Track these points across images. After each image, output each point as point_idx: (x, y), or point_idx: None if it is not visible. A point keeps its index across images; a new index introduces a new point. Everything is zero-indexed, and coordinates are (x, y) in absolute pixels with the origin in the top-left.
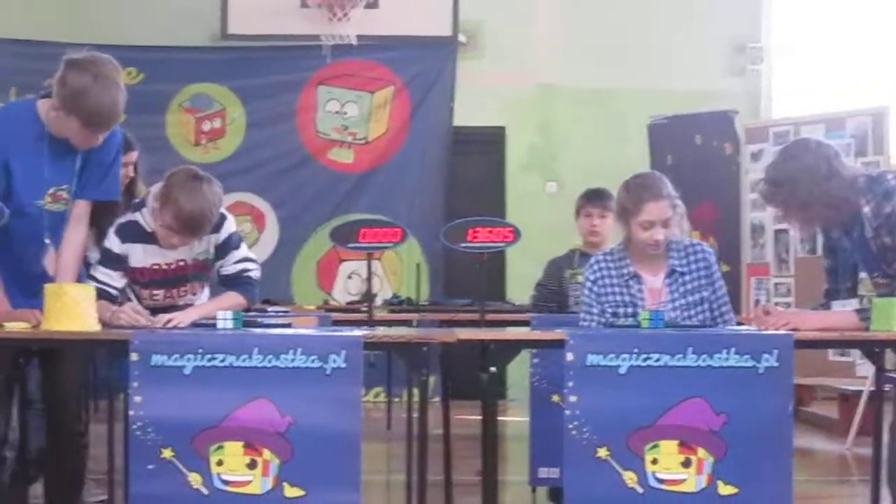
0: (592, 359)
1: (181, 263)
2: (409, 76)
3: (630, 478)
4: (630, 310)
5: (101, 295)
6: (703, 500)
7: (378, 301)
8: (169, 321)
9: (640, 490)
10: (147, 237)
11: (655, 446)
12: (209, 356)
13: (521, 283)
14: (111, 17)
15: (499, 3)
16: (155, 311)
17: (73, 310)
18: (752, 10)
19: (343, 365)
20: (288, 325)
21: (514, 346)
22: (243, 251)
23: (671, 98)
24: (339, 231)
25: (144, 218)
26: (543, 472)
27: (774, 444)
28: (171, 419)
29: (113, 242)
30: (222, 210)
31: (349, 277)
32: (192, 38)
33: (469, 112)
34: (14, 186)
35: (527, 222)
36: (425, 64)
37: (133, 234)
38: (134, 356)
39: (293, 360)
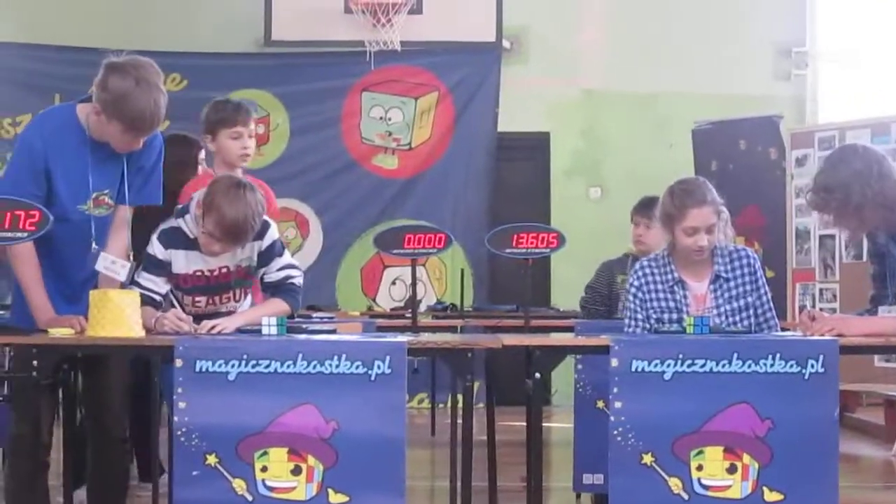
0: (637, 365)
1: (224, 270)
2: (454, 82)
3: (675, 484)
4: (675, 316)
5: (145, 301)
6: None
7: (422, 307)
8: (213, 327)
9: (685, 497)
10: (190, 243)
11: (701, 452)
12: (254, 362)
13: (565, 289)
14: (155, 23)
15: (543, 9)
16: (197, 318)
17: (117, 316)
18: (797, 14)
19: (387, 371)
20: (333, 331)
21: (559, 352)
22: (286, 258)
23: (716, 102)
24: (384, 237)
25: (187, 224)
26: (588, 479)
27: (820, 451)
28: (216, 425)
29: (156, 248)
30: (265, 217)
31: (393, 283)
32: (235, 44)
33: (513, 117)
34: (57, 192)
35: (571, 228)
36: (469, 69)
37: (176, 240)
38: (178, 362)
39: (338, 366)
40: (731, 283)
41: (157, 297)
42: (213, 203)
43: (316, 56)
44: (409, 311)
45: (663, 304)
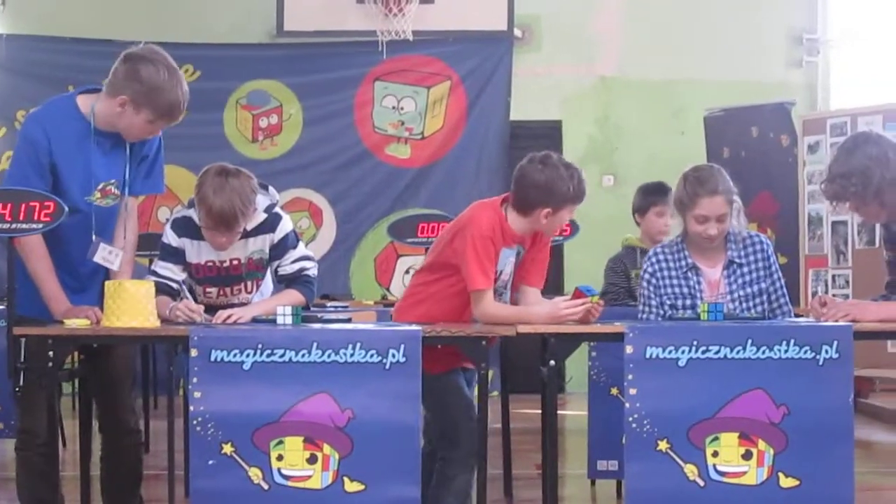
0: (652, 352)
1: (235, 262)
2: (466, 71)
3: (691, 470)
4: (689, 302)
5: (163, 289)
6: (765, 493)
7: None
8: (229, 316)
9: (701, 483)
10: (200, 234)
11: (716, 439)
12: (268, 351)
13: (579, 277)
14: (168, 15)
15: None
16: (210, 309)
17: (133, 306)
18: (809, 1)
19: (402, 359)
20: (347, 321)
21: (574, 340)
22: (301, 250)
23: (728, 89)
24: (397, 226)
25: (197, 215)
26: (602, 466)
27: (835, 436)
28: (232, 414)
29: (170, 237)
30: (277, 210)
31: (407, 272)
32: (248, 35)
33: (525, 106)
34: (63, 185)
35: (584, 215)
36: (481, 58)
37: (187, 229)
38: (194, 352)
39: (353, 354)
40: (745, 269)
41: (174, 285)
42: (201, 194)
43: (328, 46)
44: None
45: (677, 290)
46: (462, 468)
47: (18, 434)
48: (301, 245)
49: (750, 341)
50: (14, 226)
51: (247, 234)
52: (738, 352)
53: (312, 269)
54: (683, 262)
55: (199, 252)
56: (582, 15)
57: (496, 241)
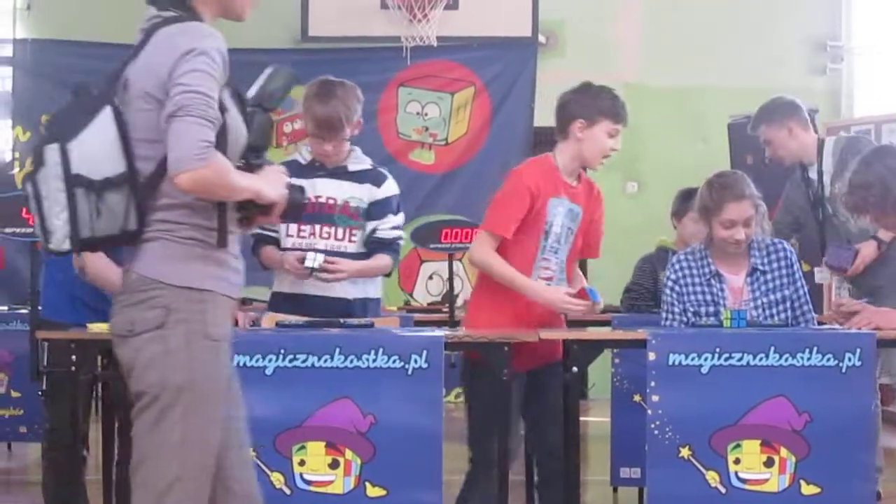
0: (674, 358)
1: (330, 201)
2: (490, 77)
3: (713, 477)
4: (712, 309)
5: (265, 240)
6: (786, 500)
7: (459, 301)
8: (333, 265)
9: (722, 490)
10: (302, 171)
11: (738, 446)
12: (291, 357)
13: (601, 283)
14: None
15: (578, 3)
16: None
17: None
18: (832, 8)
19: (425, 365)
20: (370, 326)
21: (597, 346)
22: (400, 219)
23: (752, 96)
24: (421, 232)
25: (301, 153)
26: (625, 472)
27: (858, 444)
28: (254, 419)
29: None
30: (383, 170)
31: (430, 278)
32: (272, 40)
33: (549, 112)
34: None
35: (607, 222)
36: (505, 64)
37: (290, 170)
38: None
39: (375, 360)
40: (768, 276)
41: (274, 234)
42: (306, 103)
43: (352, 51)
44: (447, 305)
45: (700, 297)
46: (484, 473)
47: (47, 434)
48: (402, 215)
49: (773, 348)
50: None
51: (349, 176)
52: (760, 359)
53: (402, 241)
54: (707, 269)
55: None
56: (605, 21)
57: (538, 190)
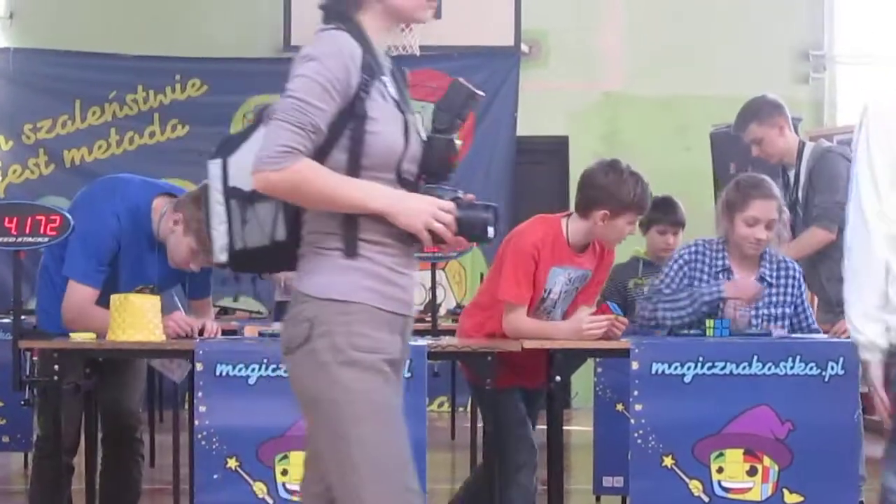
0: (658, 367)
1: None
2: (473, 86)
3: (696, 486)
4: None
5: None
6: None
7: (442, 310)
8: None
9: (705, 499)
10: None
11: (721, 455)
12: (273, 366)
13: None
14: (175, 29)
15: (561, 13)
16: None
17: (138, 320)
18: (815, 17)
19: (408, 374)
20: None
21: (580, 355)
22: None
23: (735, 106)
24: None
25: None
26: (608, 481)
27: (841, 453)
28: (236, 429)
29: None
30: None
31: None
32: (255, 49)
33: (532, 121)
34: (120, 278)
35: None
36: (488, 74)
37: None
38: (199, 366)
39: None
40: (773, 290)
41: None
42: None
43: None
44: (429, 314)
45: (704, 287)
46: (507, 480)
47: (36, 442)
48: None
49: (756, 357)
50: (20, 239)
51: None
52: (743, 368)
53: None
54: (719, 262)
55: None
56: (588, 31)
57: (542, 257)
